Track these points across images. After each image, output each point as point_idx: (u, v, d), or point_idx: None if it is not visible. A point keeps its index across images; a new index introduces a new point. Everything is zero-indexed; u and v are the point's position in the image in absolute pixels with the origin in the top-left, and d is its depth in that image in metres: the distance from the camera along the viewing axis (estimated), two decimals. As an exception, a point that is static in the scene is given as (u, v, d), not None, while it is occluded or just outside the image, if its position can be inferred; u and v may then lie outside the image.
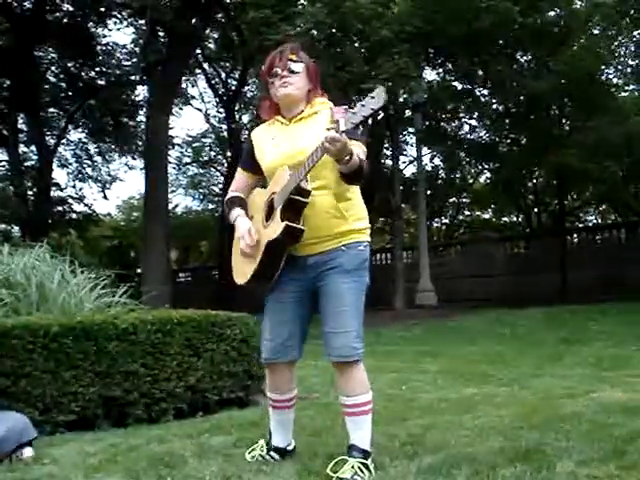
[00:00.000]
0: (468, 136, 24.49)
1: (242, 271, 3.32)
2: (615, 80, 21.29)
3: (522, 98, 19.65)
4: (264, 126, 3.47)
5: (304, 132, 3.21)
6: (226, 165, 29.37)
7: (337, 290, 3.17)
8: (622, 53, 21.03)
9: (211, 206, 34.17)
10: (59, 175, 51.01)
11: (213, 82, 27.62)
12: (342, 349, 3.15)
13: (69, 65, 24.58)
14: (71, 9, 22.57)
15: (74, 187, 27.83)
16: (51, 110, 25.92)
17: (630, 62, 21.11)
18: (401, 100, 19.37)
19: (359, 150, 3.07)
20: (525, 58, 20.62)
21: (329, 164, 3.06)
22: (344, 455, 3.14)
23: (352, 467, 3.04)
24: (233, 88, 27.20)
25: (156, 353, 4.81)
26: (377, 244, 29.68)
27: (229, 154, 27.91)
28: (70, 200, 27.61)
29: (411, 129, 22.93)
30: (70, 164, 27.67)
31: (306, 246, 3.19)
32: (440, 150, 26.10)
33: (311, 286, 3.25)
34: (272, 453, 3.44)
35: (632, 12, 17.98)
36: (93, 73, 24.83)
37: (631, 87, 21.75)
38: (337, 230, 3.17)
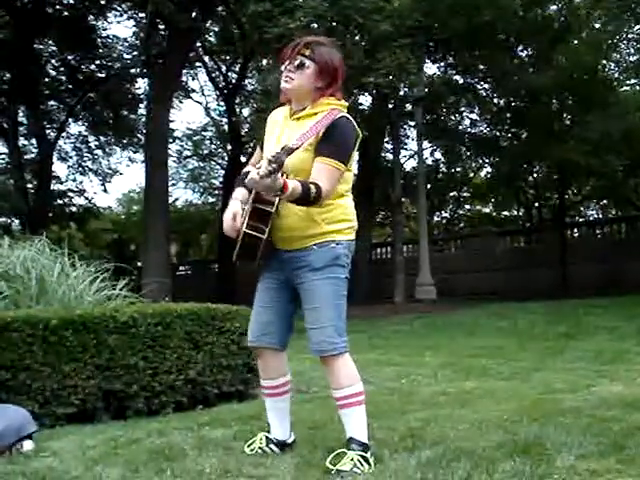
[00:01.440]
0: (469, 130, 24.44)
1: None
2: (616, 75, 21.25)
3: (523, 92, 19.61)
4: (281, 109, 3.48)
5: (296, 133, 3.19)
6: (227, 158, 29.35)
7: (309, 287, 3.23)
8: (623, 47, 20.99)
9: (211, 200, 34.16)
10: (59, 168, 50.71)
11: (213, 75, 27.57)
12: (320, 344, 3.20)
13: (69, 58, 24.56)
14: (71, 1, 22.54)
15: (74, 180, 27.89)
16: (51, 103, 25.91)
17: (631, 57, 21.07)
18: (402, 94, 19.33)
19: (322, 170, 3.11)
20: (526, 52, 20.60)
21: (301, 171, 3.13)
22: (344, 448, 3.15)
23: (352, 460, 3.05)
24: (233, 81, 27.15)
25: (156, 346, 4.81)
26: (377, 238, 29.71)
27: (229, 147, 27.89)
28: (70, 193, 27.67)
29: (412, 123, 22.86)
30: (70, 157, 27.70)
31: (282, 242, 3.28)
32: (441, 144, 26.06)
33: (289, 280, 3.32)
34: (272, 446, 3.45)
35: (633, 6, 17.92)
36: (93, 66, 24.82)
37: (632, 81, 21.71)
38: (308, 232, 3.22)
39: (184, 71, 24.27)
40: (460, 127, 24.56)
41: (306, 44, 3.29)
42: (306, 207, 3.14)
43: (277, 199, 3.14)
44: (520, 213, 32.76)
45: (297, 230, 3.22)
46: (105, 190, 28.67)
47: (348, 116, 3.27)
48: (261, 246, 3.18)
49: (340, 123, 3.19)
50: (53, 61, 25.13)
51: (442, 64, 21.33)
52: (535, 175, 25.98)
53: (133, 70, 24.55)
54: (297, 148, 2.99)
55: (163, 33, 20.47)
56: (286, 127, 3.31)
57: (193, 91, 28.99)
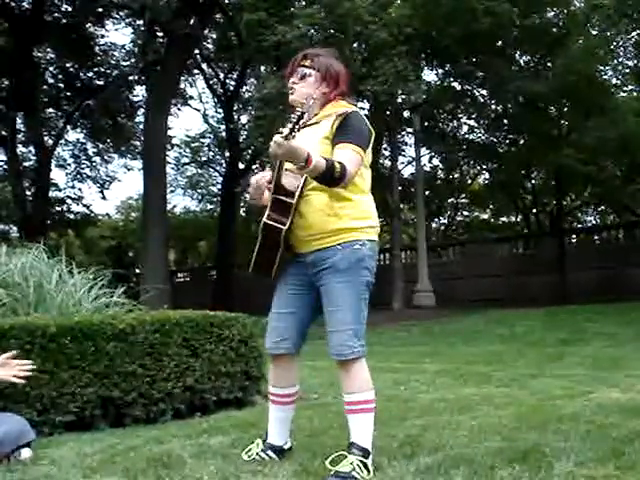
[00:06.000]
0: (467, 136, 24.50)
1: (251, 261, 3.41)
2: (613, 80, 21.31)
3: (521, 99, 19.66)
4: None
5: (310, 137, 3.26)
6: (225, 165, 29.37)
7: (331, 290, 3.22)
8: (620, 53, 21.05)
9: (210, 206, 34.18)
10: (57, 175, 50.98)
11: (211, 82, 27.63)
12: (338, 347, 3.20)
13: (67, 65, 24.63)
14: (69, 10, 22.59)
15: (72, 187, 27.87)
16: (49, 110, 25.93)
17: (628, 63, 21.13)
18: (399, 101, 19.37)
19: (344, 153, 3.14)
20: (524, 59, 20.65)
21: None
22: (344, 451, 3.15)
23: (351, 463, 3.05)
24: (231, 88, 27.22)
25: (154, 353, 4.80)
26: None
27: (228, 154, 27.91)
28: (68, 200, 27.68)
29: (410, 129, 22.91)
30: (68, 164, 27.70)
31: (304, 243, 3.27)
32: (439, 150, 26.09)
33: (312, 283, 3.32)
34: (269, 452, 3.44)
35: (630, 12, 17.98)
36: (91, 73, 24.89)
37: (629, 87, 21.77)
38: (331, 228, 3.21)
39: (182, 78, 24.32)
40: (458, 133, 24.61)
41: (304, 56, 3.39)
42: (331, 187, 3.14)
43: (298, 190, 3.16)
44: (518, 219, 32.83)
45: (318, 226, 3.21)
46: (103, 197, 28.68)
47: (360, 112, 3.34)
48: (280, 243, 3.18)
49: (352, 115, 3.26)
50: (51, 69, 25.21)
51: (440, 71, 21.38)
52: (533, 181, 26.03)
53: (131, 77, 24.58)
54: (303, 114, 2.98)
55: (161, 40, 20.50)
56: (301, 134, 3.31)
57: (191, 98, 29.09)
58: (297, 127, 2.91)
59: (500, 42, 18.72)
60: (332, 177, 3.05)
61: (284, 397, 3.49)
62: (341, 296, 3.20)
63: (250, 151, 25.08)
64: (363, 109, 20.24)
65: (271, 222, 3.17)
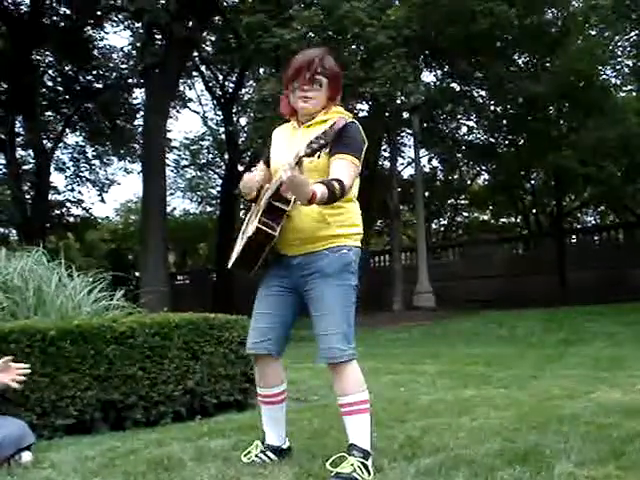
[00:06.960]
0: (466, 137, 24.50)
1: (232, 255, 3.41)
2: (613, 81, 21.31)
3: (520, 99, 19.67)
4: (285, 125, 3.53)
5: (307, 140, 3.23)
6: (224, 168, 29.38)
7: (319, 294, 3.23)
8: (619, 53, 21.05)
9: (209, 209, 34.21)
10: (57, 179, 50.98)
11: (210, 85, 27.64)
12: (328, 351, 3.21)
13: (66, 68, 24.65)
14: (68, 12, 22.61)
15: (72, 190, 27.85)
16: (48, 113, 25.94)
17: (628, 62, 21.12)
18: (399, 102, 19.38)
19: (342, 165, 3.16)
20: (523, 59, 20.66)
21: (314, 172, 3.15)
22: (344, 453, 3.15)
23: (352, 464, 3.04)
24: (230, 91, 27.23)
25: (154, 356, 4.80)
26: (375, 246, 29.71)
27: (227, 157, 27.92)
28: (68, 204, 27.65)
29: (409, 131, 22.89)
30: (68, 168, 27.70)
31: (291, 246, 3.28)
32: (438, 152, 26.10)
33: (296, 286, 3.32)
34: (268, 453, 3.45)
35: (629, 13, 17.99)
36: (90, 76, 24.89)
37: (629, 87, 21.77)
38: (319, 234, 3.23)
39: (181, 81, 24.33)
40: (457, 134, 24.62)
41: (320, 61, 3.30)
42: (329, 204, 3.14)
43: (293, 197, 3.13)
44: (518, 220, 32.82)
45: (307, 231, 3.22)
46: (102, 200, 28.69)
47: (357, 122, 3.34)
48: (267, 248, 3.18)
49: (351, 126, 3.25)
50: (50, 72, 25.23)
51: (439, 72, 21.40)
52: (533, 182, 26.02)
53: (130, 80, 24.60)
54: (327, 144, 3.00)
55: (160, 43, 20.51)
56: (295, 137, 3.33)
57: (190, 100, 29.10)
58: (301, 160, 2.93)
59: (499, 43, 18.73)
60: (334, 199, 3.07)
61: (271, 397, 3.49)
62: (328, 301, 3.21)
63: (249, 153, 25.09)
64: (362, 111, 20.30)
65: (263, 227, 3.16)
